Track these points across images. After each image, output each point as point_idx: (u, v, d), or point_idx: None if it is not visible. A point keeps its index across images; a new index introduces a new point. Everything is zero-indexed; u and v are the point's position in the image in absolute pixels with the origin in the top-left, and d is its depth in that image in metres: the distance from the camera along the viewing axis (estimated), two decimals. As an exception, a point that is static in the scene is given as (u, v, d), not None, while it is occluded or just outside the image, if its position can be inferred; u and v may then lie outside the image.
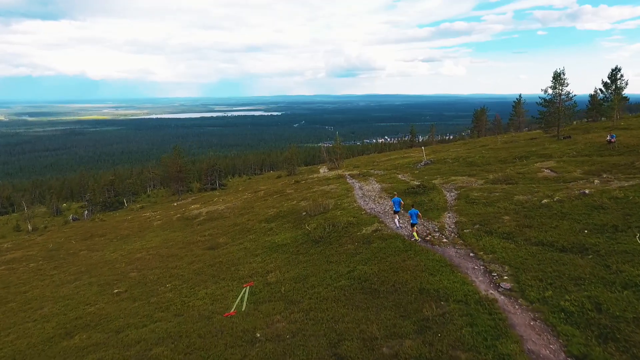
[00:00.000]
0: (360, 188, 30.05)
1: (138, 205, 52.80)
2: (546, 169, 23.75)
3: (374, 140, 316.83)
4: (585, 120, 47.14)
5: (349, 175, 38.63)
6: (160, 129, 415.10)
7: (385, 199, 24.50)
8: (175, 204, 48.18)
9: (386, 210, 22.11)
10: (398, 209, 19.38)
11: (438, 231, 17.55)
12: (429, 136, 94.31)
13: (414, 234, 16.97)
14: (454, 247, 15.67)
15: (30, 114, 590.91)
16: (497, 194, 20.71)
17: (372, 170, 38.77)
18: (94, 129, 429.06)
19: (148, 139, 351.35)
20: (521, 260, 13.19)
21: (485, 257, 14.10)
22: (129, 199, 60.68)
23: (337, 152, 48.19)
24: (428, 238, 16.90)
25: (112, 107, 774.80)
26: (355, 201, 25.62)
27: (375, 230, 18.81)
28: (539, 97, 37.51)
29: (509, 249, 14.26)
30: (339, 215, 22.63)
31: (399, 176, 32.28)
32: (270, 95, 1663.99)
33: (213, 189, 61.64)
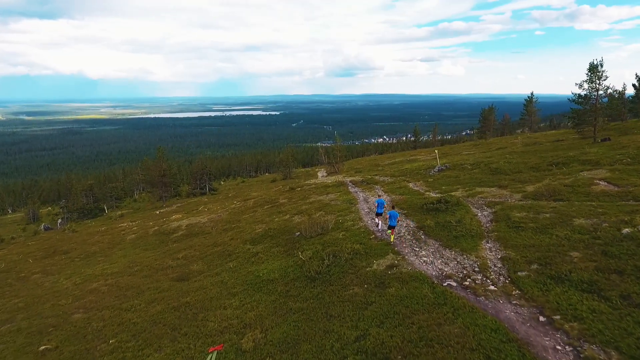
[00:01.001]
0: (366, 200, 25.06)
1: (119, 213, 47.80)
2: (600, 180, 18.81)
3: (373, 140, 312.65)
4: (607, 119, 42.51)
5: (350, 182, 33.66)
6: (158, 129, 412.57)
7: (401, 217, 19.60)
8: (158, 212, 43.18)
9: (401, 233, 17.17)
10: (381, 211, 18.30)
11: (479, 271, 12.59)
12: (431, 136, 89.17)
13: (391, 237, 15.96)
14: (509, 302, 10.71)
15: (28, 113, 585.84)
16: (547, 214, 15.76)
17: (377, 177, 33.82)
18: (92, 129, 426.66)
19: (146, 138, 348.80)
20: (635, 341, 8.26)
21: (568, 327, 9.13)
22: (111, 204, 55.70)
23: (337, 155, 43.19)
24: (467, 282, 11.98)
25: (110, 107, 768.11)
26: (360, 219, 20.66)
27: (391, 266, 13.87)
28: (572, 94, 32.65)
29: (603, 314, 9.31)
30: (341, 238, 17.69)
31: (411, 185, 27.33)
32: (268, 94, 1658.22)
33: (203, 194, 56.64)
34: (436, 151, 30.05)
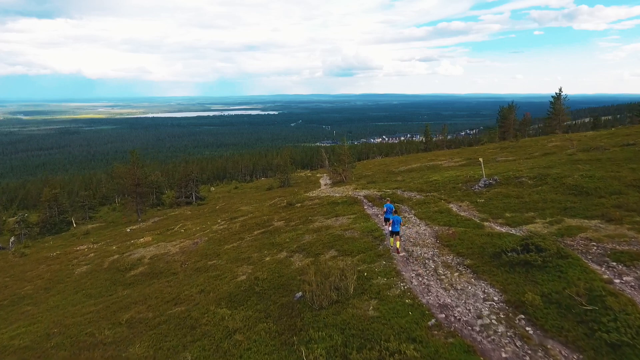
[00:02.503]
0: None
1: (85, 228, 39.95)
2: None
3: (372, 140, 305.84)
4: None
5: (365, 198, 25.89)
6: (156, 128, 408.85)
7: (466, 275, 11.84)
8: (129, 230, 35.49)
9: (484, 316, 9.51)
10: (388, 217, 15.98)
11: None
12: (441, 136, 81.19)
13: (396, 244, 14.30)
14: None
15: (26, 113, 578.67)
16: None
17: (398, 191, 26.07)
18: (89, 128, 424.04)
19: (143, 138, 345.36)
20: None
21: None
22: (84, 215, 48.00)
23: (344, 161, 35.30)
24: None
25: (108, 106, 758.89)
26: (397, 272, 12.90)
27: None
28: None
29: None
30: (373, 319, 10.01)
31: (453, 208, 19.58)
32: (267, 94, 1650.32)
33: (188, 203, 48.95)
34: (481, 160, 22.28)
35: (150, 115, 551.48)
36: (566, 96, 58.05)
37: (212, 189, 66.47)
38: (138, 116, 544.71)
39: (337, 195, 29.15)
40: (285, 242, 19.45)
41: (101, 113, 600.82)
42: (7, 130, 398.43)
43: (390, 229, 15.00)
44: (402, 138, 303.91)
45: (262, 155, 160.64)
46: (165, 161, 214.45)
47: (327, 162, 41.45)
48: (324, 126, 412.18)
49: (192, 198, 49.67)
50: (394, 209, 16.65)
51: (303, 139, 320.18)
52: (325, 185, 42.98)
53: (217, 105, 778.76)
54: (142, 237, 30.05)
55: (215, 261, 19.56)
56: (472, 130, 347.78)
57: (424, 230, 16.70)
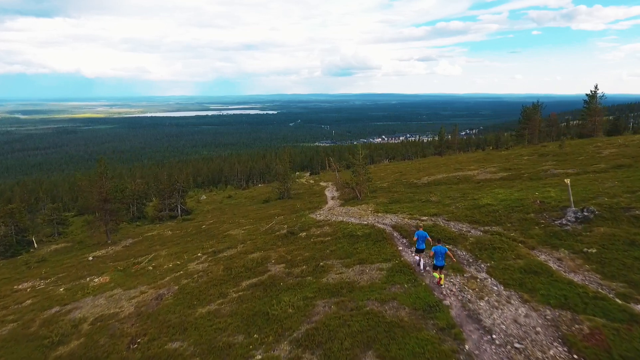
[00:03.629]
0: (478, 318, 10.11)
1: (43, 252, 32.49)
2: None
3: (372, 140, 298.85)
4: None
5: (394, 230, 18.67)
6: (154, 128, 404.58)
7: None
8: (91, 258, 28.17)
9: None
10: (422, 247, 13.79)
11: None
12: (451, 136, 73.69)
13: (440, 278, 11.91)
14: None
15: (24, 112, 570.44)
16: None
17: (440, 220, 18.86)
18: (87, 128, 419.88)
19: (141, 137, 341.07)
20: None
21: None
22: (53, 230, 40.65)
23: (359, 173, 27.85)
24: None
25: (107, 105, 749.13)
26: None
27: None
28: None
29: None
30: None
31: (549, 262, 12.41)
32: (266, 93, 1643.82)
33: (173, 217, 41.72)
34: (567, 181, 15.09)
35: (148, 114, 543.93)
36: (603, 94, 50.85)
37: (203, 197, 59.02)
38: (136, 115, 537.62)
39: (353, 221, 21.97)
40: (286, 315, 12.25)
41: (99, 112, 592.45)
42: (4, 129, 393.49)
43: (429, 261, 13.18)
44: (402, 138, 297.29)
45: (260, 156, 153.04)
46: (162, 161, 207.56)
47: (337, 173, 33.97)
48: (322, 126, 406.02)
49: (178, 211, 42.39)
50: (427, 237, 13.91)
51: (302, 138, 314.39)
52: (332, 199, 35.70)
53: (215, 104, 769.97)
54: (101, 275, 22.77)
55: (178, 344, 12.33)
56: (472, 130, 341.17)
57: (528, 317, 9.49)
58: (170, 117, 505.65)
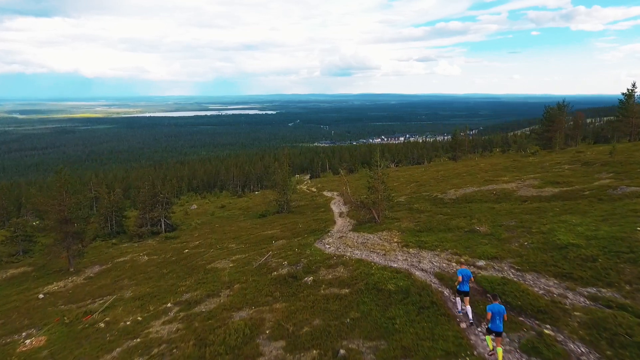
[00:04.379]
0: None
1: (-9, 283, 26.58)
2: None
3: (371, 140, 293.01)
4: None
5: (440, 282, 12.84)
6: (152, 128, 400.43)
7: None
8: (41, 296, 22.25)
9: None
10: (466, 289, 10.83)
11: None
12: (462, 137, 67.07)
13: (498, 349, 8.77)
14: None
15: (22, 112, 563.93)
16: None
17: (508, 269, 13.02)
18: (85, 127, 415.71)
19: (140, 137, 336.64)
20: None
21: None
22: (17, 248, 34.53)
23: (379, 190, 21.68)
24: None
25: (105, 105, 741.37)
26: None
27: None
28: None
29: None
30: None
31: None
32: (265, 94, 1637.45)
33: (155, 234, 35.68)
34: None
35: (147, 114, 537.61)
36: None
37: (194, 206, 52.83)
38: (135, 115, 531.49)
39: (377, 260, 16.07)
40: None
41: (98, 112, 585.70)
42: (2, 129, 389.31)
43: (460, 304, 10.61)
44: (402, 138, 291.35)
45: (258, 157, 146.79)
46: (159, 161, 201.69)
47: (347, 188, 27.68)
48: (322, 126, 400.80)
49: (161, 226, 36.37)
50: (472, 277, 10.56)
51: (301, 139, 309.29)
52: (340, 215, 29.66)
53: (214, 104, 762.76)
54: (40, 330, 16.84)
55: None
56: (472, 130, 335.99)
57: None
58: (169, 117, 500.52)
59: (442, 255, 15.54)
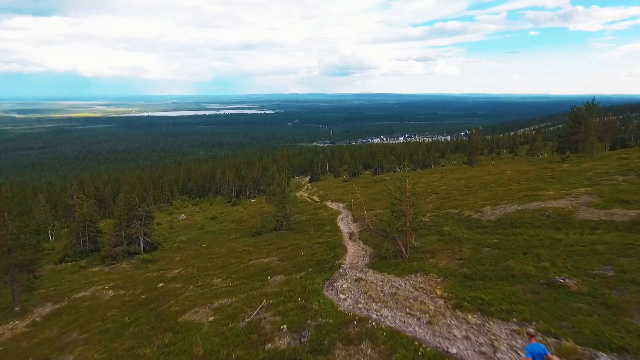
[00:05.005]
0: None
1: None
2: None
3: (370, 140, 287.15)
4: None
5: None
6: (151, 127, 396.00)
7: None
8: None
9: None
10: None
11: None
12: (472, 134, 59.48)
13: None
14: None
15: (19, 111, 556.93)
16: None
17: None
18: (83, 127, 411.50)
19: (138, 137, 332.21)
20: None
21: None
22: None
23: (406, 214, 16.15)
24: None
25: (104, 105, 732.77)
26: None
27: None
28: None
29: None
30: None
31: None
32: (264, 93, 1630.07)
33: (132, 254, 30.02)
34: None
35: (145, 114, 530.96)
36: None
37: (183, 216, 46.92)
38: (133, 115, 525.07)
39: (420, 334, 10.56)
40: None
41: (96, 112, 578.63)
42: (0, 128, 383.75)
43: None
44: (401, 138, 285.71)
45: (256, 157, 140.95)
46: (156, 161, 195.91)
47: (364, 212, 21.50)
48: (320, 126, 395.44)
49: (139, 245, 30.70)
50: (548, 353, 8.13)
51: (300, 138, 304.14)
52: (351, 238, 24.10)
53: (213, 104, 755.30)
54: None
55: None
56: (471, 130, 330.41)
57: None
58: (168, 116, 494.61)
59: (523, 333, 10.00)
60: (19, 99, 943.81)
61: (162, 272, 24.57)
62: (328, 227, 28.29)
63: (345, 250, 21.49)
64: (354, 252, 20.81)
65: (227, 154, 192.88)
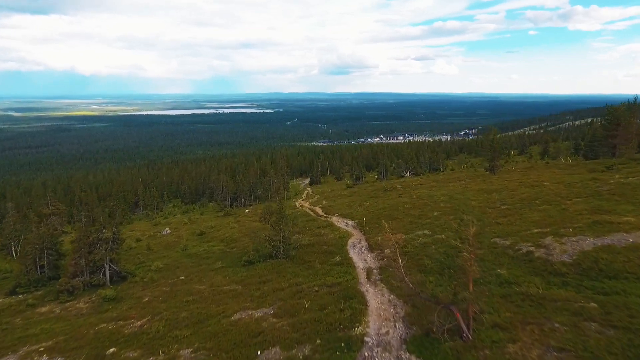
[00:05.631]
0: None
1: None
2: None
3: (369, 140, 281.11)
4: None
5: None
6: (149, 126, 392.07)
7: None
8: None
9: None
10: None
11: None
12: (491, 135, 51.96)
13: None
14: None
15: (17, 110, 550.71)
16: None
17: None
18: (81, 126, 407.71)
19: (136, 136, 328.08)
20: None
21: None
22: None
23: (469, 275, 10.51)
24: None
25: (102, 103, 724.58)
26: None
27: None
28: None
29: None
30: None
31: None
32: (263, 92, 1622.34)
33: (95, 286, 23.69)
34: None
35: (144, 112, 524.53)
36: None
37: (167, 230, 40.55)
38: (132, 114, 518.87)
39: None
40: None
41: (94, 110, 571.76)
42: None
43: None
44: (401, 138, 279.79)
45: (255, 157, 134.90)
46: (154, 161, 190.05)
47: (399, 260, 14.94)
48: (320, 125, 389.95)
49: (105, 274, 24.56)
50: None
51: (299, 137, 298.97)
52: (368, 278, 17.88)
53: (212, 103, 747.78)
54: None
55: None
56: (471, 129, 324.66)
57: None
58: (166, 115, 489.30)
59: None
60: (17, 97, 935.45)
61: (120, 322, 18.40)
62: (337, 258, 22.17)
63: (365, 303, 15.37)
64: (379, 309, 14.71)
65: (225, 153, 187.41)
